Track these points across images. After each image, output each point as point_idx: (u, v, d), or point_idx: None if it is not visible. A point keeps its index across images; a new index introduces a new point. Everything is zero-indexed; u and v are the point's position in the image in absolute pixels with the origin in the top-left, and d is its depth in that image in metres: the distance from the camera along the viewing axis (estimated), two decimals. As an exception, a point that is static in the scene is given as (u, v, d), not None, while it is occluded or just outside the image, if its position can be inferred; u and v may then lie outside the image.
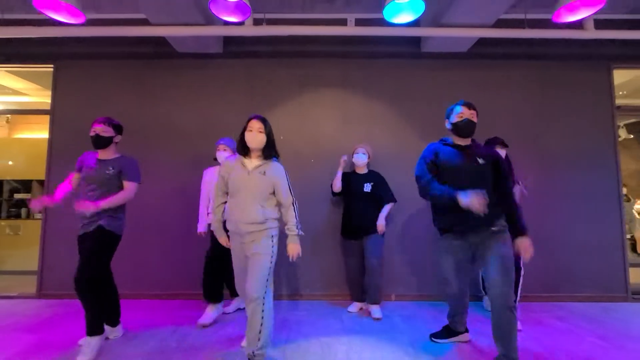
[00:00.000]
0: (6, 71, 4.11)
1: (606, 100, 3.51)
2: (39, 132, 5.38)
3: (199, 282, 2.76)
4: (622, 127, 6.21)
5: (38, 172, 5.01)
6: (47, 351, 2.17)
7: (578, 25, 3.01)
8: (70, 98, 3.55)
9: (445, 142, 2.09)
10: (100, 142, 2.22)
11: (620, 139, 6.44)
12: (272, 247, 1.97)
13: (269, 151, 2.03)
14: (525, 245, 1.82)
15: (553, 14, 2.48)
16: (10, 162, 5.06)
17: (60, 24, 2.79)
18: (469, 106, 1.99)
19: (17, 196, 5.08)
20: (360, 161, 2.95)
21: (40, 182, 5.13)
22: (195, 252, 3.28)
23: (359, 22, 3.56)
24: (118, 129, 2.31)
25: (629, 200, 5.60)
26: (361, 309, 3.01)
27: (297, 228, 2.03)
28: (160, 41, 3.43)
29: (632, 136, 6.25)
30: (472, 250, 2.02)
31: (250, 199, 1.93)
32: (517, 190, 2.59)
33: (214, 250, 2.69)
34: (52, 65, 3.58)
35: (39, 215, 4.98)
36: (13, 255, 4.73)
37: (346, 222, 2.99)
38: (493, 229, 1.91)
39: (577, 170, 3.45)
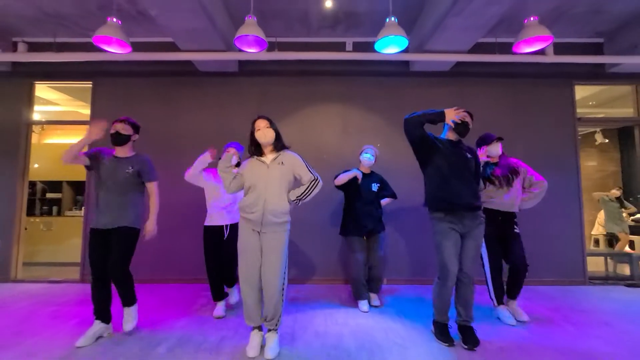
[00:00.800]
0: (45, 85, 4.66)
1: (569, 113, 4.07)
2: (66, 137, 5.94)
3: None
4: (598, 132, 6.77)
5: (67, 174, 5.59)
6: (106, 318, 2.72)
7: (541, 50, 3.58)
8: (107, 110, 4.10)
9: (440, 137, 2.41)
10: (120, 140, 2.38)
11: (596, 143, 7.07)
12: (287, 242, 2.16)
13: (280, 143, 2.22)
14: None
15: (513, 46, 3.04)
16: (35, 165, 5.60)
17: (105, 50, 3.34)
18: (471, 115, 2.47)
19: (48, 195, 5.63)
20: (367, 162, 3.07)
21: (69, 183, 5.70)
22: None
23: (356, 45, 4.13)
24: (136, 128, 2.49)
25: (620, 203, 5.79)
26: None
27: (297, 199, 2.18)
28: (185, 62, 3.99)
29: (607, 140, 6.80)
30: (460, 235, 2.25)
31: (275, 190, 2.11)
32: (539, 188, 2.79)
33: (207, 253, 2.82)
34: (90, 82, 4.13)
35: (69, 213, 5.56)
36: (47, 249, 5.28)
37: (351, 220, 3.03)
38: (481, 218, 2.28)
39: (544, 172, 3.95)
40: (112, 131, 2.39)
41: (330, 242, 3.92)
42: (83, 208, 5.46)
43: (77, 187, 5.74)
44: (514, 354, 2.12)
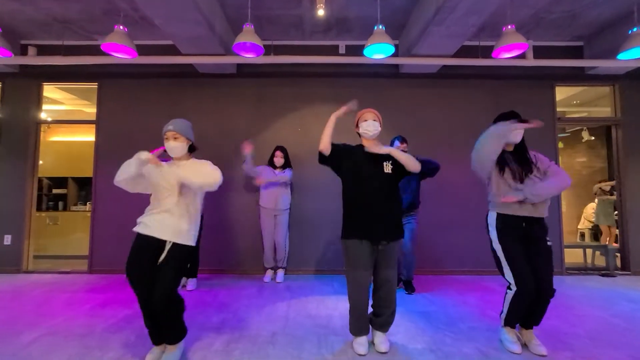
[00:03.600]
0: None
1: (549, 112, 4.31)
2: (71, 135, 6.15)
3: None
4: (585, 130, 7.02)
5: (72, 170, 5.82)
6: (116, 304, 2.97)
7: (521, 54, 3.80)
8: (112, 110, 4.32)
9: None
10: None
11: (583, 140, 7.31)
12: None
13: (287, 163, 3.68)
14: None
15: (493, 52, 3.27)
16: (40, 162, 5.80)
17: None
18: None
19: (55, 191, 5.86)
20: (374, 131, 2.23)
21: (74, 179, 5.93)
22: (211, 235, 4.10)
23: (349, 48, 4.35)
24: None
25: (612, 194, 5.73)
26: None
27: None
28: (187, 64, 4.20)
29: (593, 137, 7.05)
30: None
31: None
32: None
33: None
34: (96, 83, 4.34)
35: (74, 208, 5.79)
36: (53, 242, 5.51)
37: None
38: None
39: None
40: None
41: (324, 233, 4.17)
42: (88, 203, 5.72)
43: (82, 183, 5.96)
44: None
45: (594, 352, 2.10)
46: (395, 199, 2.14)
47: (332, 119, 2.21)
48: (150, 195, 2.02)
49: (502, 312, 2.17)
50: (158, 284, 1.82)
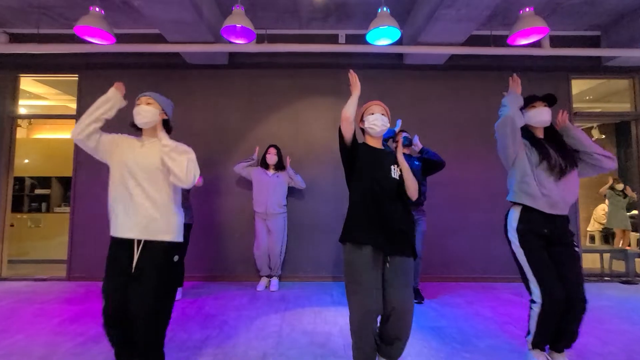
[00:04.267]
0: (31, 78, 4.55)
1: (565, 107, 4.00)
2: (55, 132, 5.83)
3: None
4: (595, 128, 6.73)
5: (56, 169, 5.48)
6: (88, 318, 2.65)
7: (537, 42, 3.50)
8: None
9: None
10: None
11: (593, 139, 7.01)
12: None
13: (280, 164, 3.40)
14: None
15: (509, 37, 2.97)
16: (26, 161, 5.49)
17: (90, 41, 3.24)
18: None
19: (37, 191, 5.53)
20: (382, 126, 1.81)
21: (58, 179, 5.60)
22: (200, 238, 3.78)
23: (349, 37, 4.04)
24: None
25: (625, 196, 5.49)
26: None
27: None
28: (173, 54, 3.89)
29: (603, 136, 6.76)
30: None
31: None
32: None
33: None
34: (77, 75, 4.03)
35: (58, 209, 5.46)
36: (35, 245, 5.18)
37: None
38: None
39: (538, 168, 3.95)
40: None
41: (321, 238, 3.85)
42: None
43: (67, 183, 5.63)
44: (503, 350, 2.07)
45: (639, 379, 1.79)
46: (405, 211, 1.72)
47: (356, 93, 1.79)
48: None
49: (528, 332, 1.83)
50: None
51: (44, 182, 5.57)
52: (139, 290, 1.48)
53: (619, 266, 4.34)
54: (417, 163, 2.91)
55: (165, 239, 1.57)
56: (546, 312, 1.72)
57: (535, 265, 1.76)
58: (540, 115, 1.87)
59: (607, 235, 6.71)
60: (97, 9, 2.82)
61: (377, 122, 1.75)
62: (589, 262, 4.51)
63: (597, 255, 4.52)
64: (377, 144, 1.82)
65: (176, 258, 1.62)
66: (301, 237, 3.86)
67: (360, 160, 1.72)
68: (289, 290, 3.47)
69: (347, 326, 1.83)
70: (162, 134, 1.66)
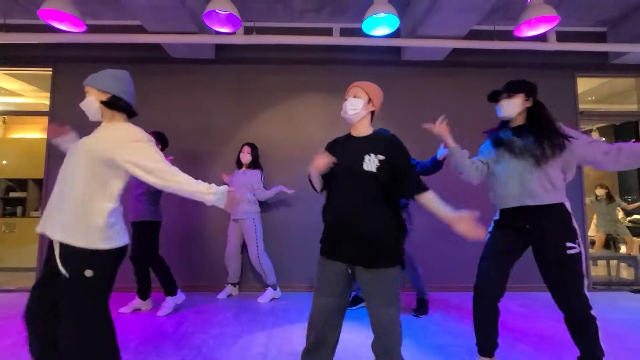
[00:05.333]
0: (3, 73, 4.25)
1: (571, 106, 3.81)
2: (33, 132, 5.51)
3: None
4: (595, 130, 6.58)
5: (33, 171, 5.15)
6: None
7: (542, 37, 3.30)
8: (69, 100, 3.71)
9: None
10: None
11: (594, 141, 6.88)
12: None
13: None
14: None
15: (515, 29, 2.75)
16: (3, 162, 5.17)
17: (60, 30, 2.96)
18: None
19: (12, 195, 5.19)
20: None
21: (36, 181, 5.26)
22: (180, 245, 3.48)
23: (344, 31, 3.80)
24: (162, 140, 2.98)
25: (612, 201, 5.37)
26: None
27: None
28: (155, 47, 3.61)
29: (603, 139, 6.61)
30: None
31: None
32: None
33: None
34: (50, 69, 3.74)
35: (35, 214, 5.13)
36: (9, 252, 4.85)
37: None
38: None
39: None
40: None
41: (313, 243, 3.58)
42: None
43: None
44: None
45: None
46: (385, 209, 1.41)
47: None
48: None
49: None
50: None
51: (20, 184, 5.24)
52: None
53: (626, 274, 4.15)
54: (418, 168, 2.70)
55: None
56: (474, 300, 1.83)
57: (484, 248, 1.84)
58: (501, 111, 1.85)
59: (608, 241, 6.55)
60: (65, -9, 2.55)
61: (347, 107, 1.52)
62: (594, 269, 4.31)
63: (604, 261, 4.33)
64: (357, 130, 1.56)
65: None
66: (293, 243, 3.59)
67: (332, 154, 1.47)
68: (278, 302, 3.19)
69: (342, 345, 1.56)
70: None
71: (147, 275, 2.84)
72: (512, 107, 1.79)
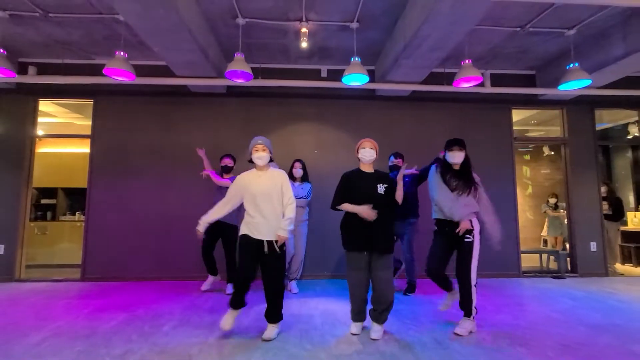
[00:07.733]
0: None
1: (507, 132, 4.86)
2: (60, 147, 6.29)
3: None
4: (546, 146, 7.70)
5: (61, 180, 5.96)
6: (113, 308, 3.22)
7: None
8: (106, 125, 4.57)
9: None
10: (226, 170, 3.89)
11: (544, 155, 8.01)
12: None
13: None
14: None
15: (454, 82, 3.76)
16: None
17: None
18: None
19: (43, 201, 5.97)
20: (369, 157, 2.63)
21: (64, 190, 6.06)
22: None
23: (330, 71, 4.79)
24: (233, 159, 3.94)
25: (556, 207, 6.37)
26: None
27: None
28: (179, 84, 4.52)
29: (552, 152, 7.73)
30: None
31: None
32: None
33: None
34: (92, 100, 4.60)
35: (63, 217, 5.92)
36: (41, 251, 5.62)
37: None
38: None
39: (486, 181, 4.76)
40: (222, 164, 3.92)
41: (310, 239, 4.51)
42: (77, 213, 5.87)
43: (71, 193, 6.10)
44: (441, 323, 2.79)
45: (528, 338, 2.52)
46: (387, 218, 2.52)
47: (356, 209, 2.49)
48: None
49: None
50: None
51: (50, 192, 6.02)
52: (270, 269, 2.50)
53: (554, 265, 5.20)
54: (406, 179, 3.62)
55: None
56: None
57: (430, 248, 2.76)
58: (452, 158, 2.71)
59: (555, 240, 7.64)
60: (122, 53, 3.44)
61: (366, 154, 2.60)
62: (531, 261, 5.34)
63: (537, 255, 5.37)
64: (367, 168, 2.64)
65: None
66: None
67: (351, 184, 2.58)
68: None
69: (325, 309, 2.57)
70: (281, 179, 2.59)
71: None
72: (459, 158, 2.69)
